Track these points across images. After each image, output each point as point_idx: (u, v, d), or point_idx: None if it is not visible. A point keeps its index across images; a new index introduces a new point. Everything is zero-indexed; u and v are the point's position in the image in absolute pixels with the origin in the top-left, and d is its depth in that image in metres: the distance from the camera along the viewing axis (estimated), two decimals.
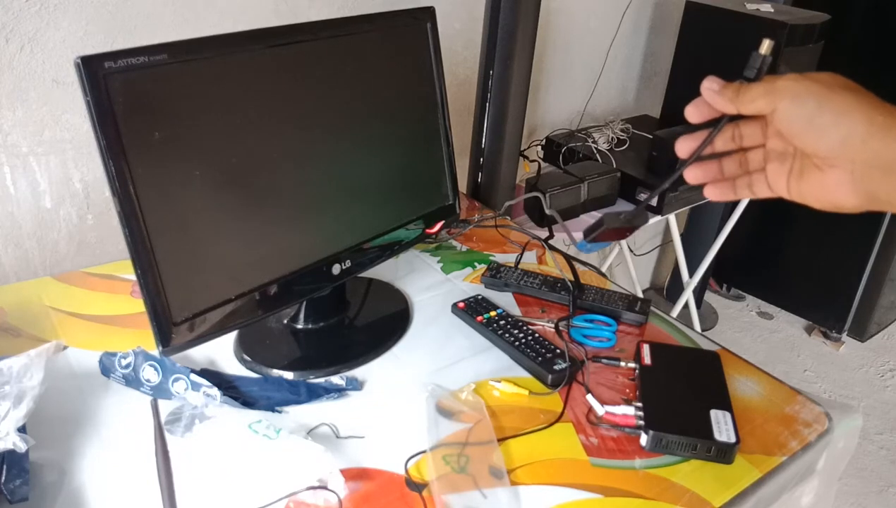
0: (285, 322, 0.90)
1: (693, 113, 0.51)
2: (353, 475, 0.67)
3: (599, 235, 0.58)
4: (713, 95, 0.49)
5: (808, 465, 0.75)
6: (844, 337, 2.27)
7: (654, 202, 1.42)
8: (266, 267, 0.75)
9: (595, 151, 1.53)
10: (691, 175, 0.54)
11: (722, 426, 0.71)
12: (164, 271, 0.65)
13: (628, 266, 2.07)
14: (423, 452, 0.70)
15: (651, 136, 1.52)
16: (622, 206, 1.45)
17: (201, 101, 0.67)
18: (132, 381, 0.76)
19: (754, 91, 0.47)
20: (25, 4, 0.92)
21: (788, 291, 2.37)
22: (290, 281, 0.77)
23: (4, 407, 0.62)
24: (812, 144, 0.46)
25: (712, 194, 0.55)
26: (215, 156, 0.69)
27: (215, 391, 0.72)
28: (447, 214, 0.98)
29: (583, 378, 0.82)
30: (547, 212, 1.12)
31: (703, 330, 1.64)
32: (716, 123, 0.51)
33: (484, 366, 0.84)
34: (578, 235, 0.99)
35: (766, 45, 0.48)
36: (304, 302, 0.88)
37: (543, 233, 1.16)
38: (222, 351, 0.84)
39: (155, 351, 0.69)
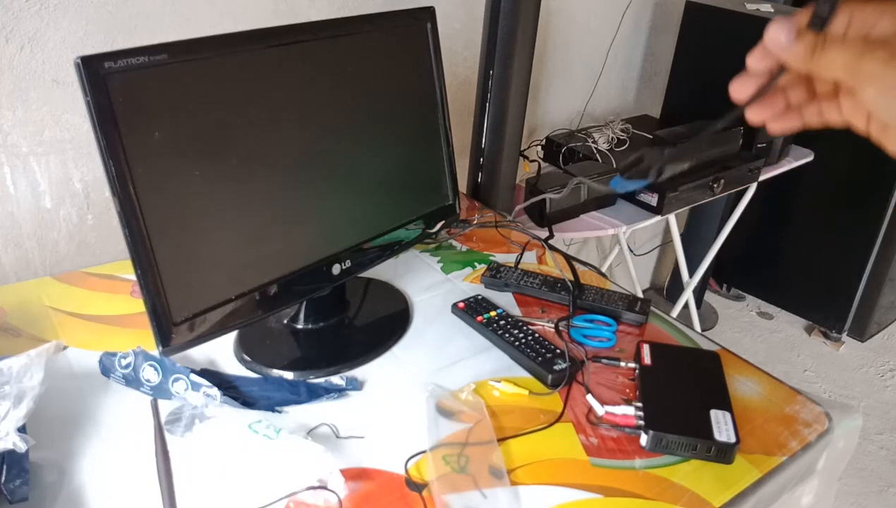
0: (285, 322, 0.90)
1: (755, 59, 0.43)
2: (353, 475, 0.67)
3: (637, 173, 0.54)
4: (781, 48, 0.41)
5: (808, 465, 0.75)
6: (844, 337, 2.27)
7: (650, 200, 1.42)
8: (266, 267, 0.75)
9: (595, 151, 1.53)
10: (755, 114, 0.46)
11: (722, 426, 0.71)
12: (164, 271, 0.65)
13: (628, 266, 2.07)
14: (423, 452, 0.70)
15: (651, 136, 1.52)
16: (622, 206, 1.45)
17: (201, 101, 0.67)
18: (132, 381, 0.76)
19: (835, 60, 0.39)
20: (25, 4, 0.92)
21: (788, 291, 2.37)
22: (290, 281, 0.77)
23: (4, 407, 0.62)
24: None
25: (776, 128, 0.47)
26: (215, 156, 0.69)
27: (215, 391, 0.72)
28: (447, 214, 0.98)
29: (583, 378, 0.82)
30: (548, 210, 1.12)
31: (703, 330, 1.64)
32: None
33: (484, 366, 0.84)
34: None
35: None
36: (304, 302, 0.88)
37: (543, 233, 1.16)
38: (222, 351, 0.84)
39: (155, 351, 0.69)
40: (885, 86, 0.37)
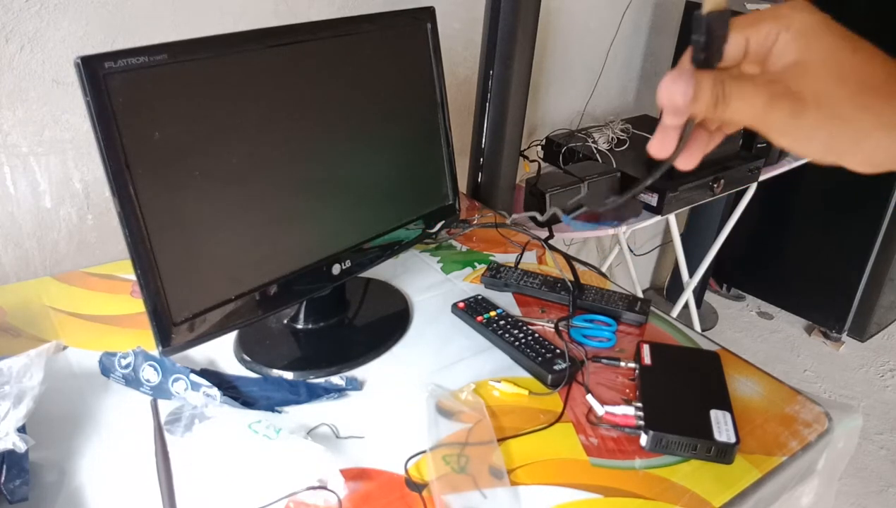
0: (285, 322, 0.90)
1: (668, 117, 0.39)
2: (353, 475, 0.67)
3: (581, 216, 0.52)
4: (681, 110, 0.37)
5: (808, 465, 0.75)
6: (844, 337, 2.27)
7: (650, 200, 1.42)
8: (266, 267, 0.75)
9: (595, 151, 1.53)
10: (686, 163, 0.43)
11: (722, 426, 0.71)
12: (164, 271, 0.65)
13: (628, 266, 2.07)
14: (423, 452, 0.70)
15: (651, 137, 1.52)
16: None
17: (201, 101, 0.67)
18: (132, 381, 0.76)
19: (740, 112, 0.35)
20: (25, 4, 0.92)
21: (788, 291, 2.37)
22: (290, 281, 0.77)
23: (4, 407, 0.62)
24: (829, 162, 0.37)
25: (703, 154, 0.44)
26: (215, 156, 0.69)
27: (215, 391, 0.72)
28: (447, 214, 0.98)
29: (583, 378, 0.82)
30: (546, 211, 1.12)
31: (703, 330, 1.64)
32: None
33: (484, 366, 0.84)
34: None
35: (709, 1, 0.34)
36: (304, 302, 0.88)
37: (543, 233, 1.16)
38: (222, 351, 0.84)
39: (155, 351, 0.69)
40: (795, 138, 0.36)
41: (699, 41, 0.35)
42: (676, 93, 0.36)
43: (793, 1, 0.36)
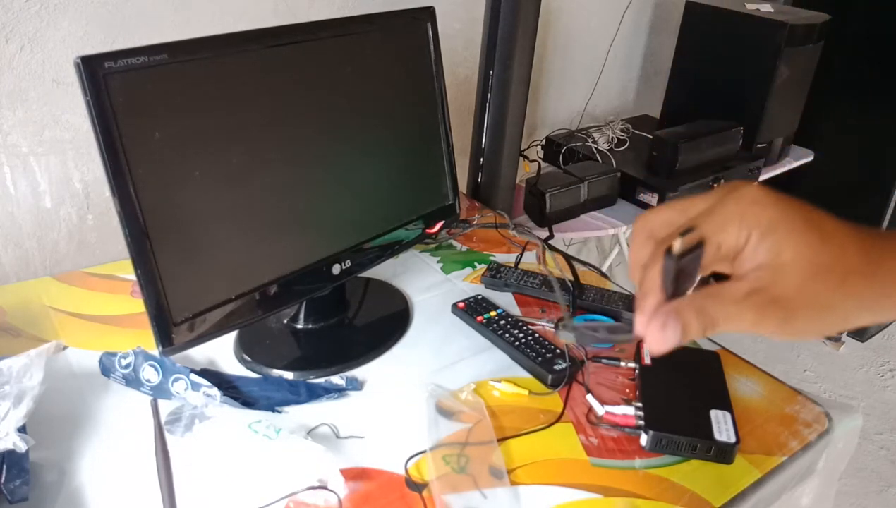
0: (285, 322, 0.90)
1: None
2: (353, 475, 0.67)
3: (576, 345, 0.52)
4: (677, 343, 0.36)
5: (808, 465, 0.75)
6: (844, 337, 2.26)
7: (650, 200, 1.42)
8: (266, 267, 0.75)
9: (595, 151, 1.53)
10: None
11: (722, 426, 0.71)
12: (164, 271, 0.65)
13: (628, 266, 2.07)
14: (423, 452, 0.70)
15: (651, 136, 1.52)
16: (622, 206, 1.45)
17: (201, 101, 0.67)
18: (132, 381, 0.76)
19: (732, 329, 0.36)
20: (25, 4, 0.92)
21: None
22: (290, 281, 0.77)
23: (4, 407, 0.62)
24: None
25: None
26: (215, 156, 0.69)
27: (215, 391, 0.72)
28: (447, 214, 0.98)
29: (583, 378, 0.82)
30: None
31: None
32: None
33: (484, 366, 0.84)
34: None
35: (678, 244, 0.34)
36: (304, 302, 0.88)
37: (543, 233, 1.16)
38: (222, 351, 0.84)
39: (155, 351, 0.69)
40: (789, 336, 0.36)
41: (672, 278, 0.35)
42: (669, 341, 0.35)
43: (747, 188, 0.36)
